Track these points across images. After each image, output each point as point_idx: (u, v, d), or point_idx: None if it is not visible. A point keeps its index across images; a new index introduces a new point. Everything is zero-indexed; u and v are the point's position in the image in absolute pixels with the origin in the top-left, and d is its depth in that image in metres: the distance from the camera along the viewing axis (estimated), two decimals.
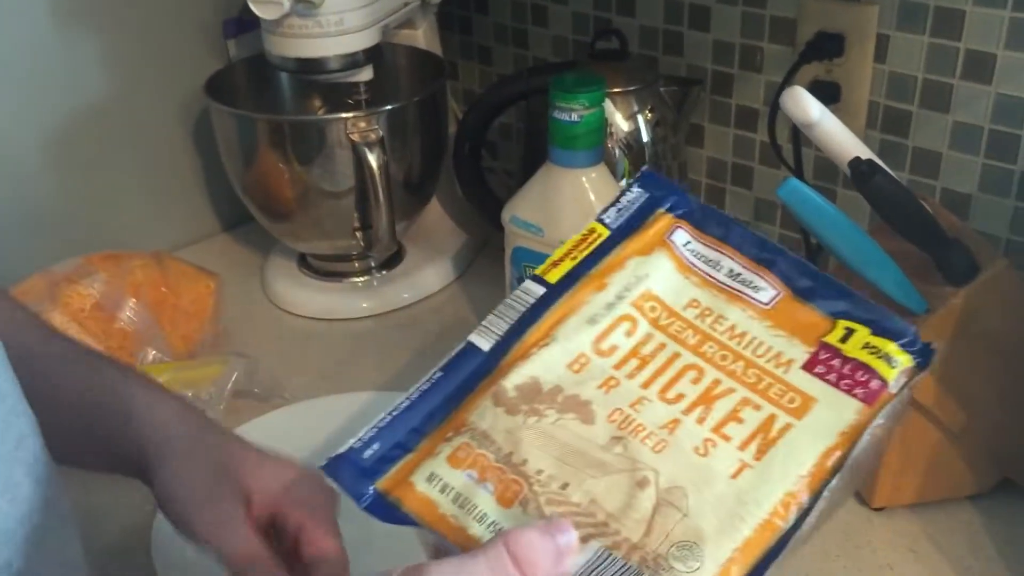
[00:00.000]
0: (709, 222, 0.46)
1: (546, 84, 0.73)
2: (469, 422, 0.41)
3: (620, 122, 0.86)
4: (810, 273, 0.44)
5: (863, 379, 0.41)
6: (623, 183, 0.87)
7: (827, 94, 0.81)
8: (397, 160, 0.89)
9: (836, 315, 0.43)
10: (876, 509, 0.68)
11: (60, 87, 0.92)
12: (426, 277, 0.96)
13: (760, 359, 0.42)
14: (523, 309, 0.44)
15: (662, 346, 0.43)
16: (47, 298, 0.77)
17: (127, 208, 1.00)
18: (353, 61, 0.84)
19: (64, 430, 0.47)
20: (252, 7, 0.79)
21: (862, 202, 0.82)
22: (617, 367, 0.43)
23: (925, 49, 0.77)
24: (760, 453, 0.39)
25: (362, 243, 0.91)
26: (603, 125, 0.74)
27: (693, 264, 0.46)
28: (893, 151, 0.81)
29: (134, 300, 0.78)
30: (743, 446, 0.40)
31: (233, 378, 0.75)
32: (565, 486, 0.38)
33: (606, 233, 0.46)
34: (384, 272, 0.96)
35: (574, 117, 0.72)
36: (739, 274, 0.45)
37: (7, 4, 0.87)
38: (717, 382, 0.42)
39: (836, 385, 0.41)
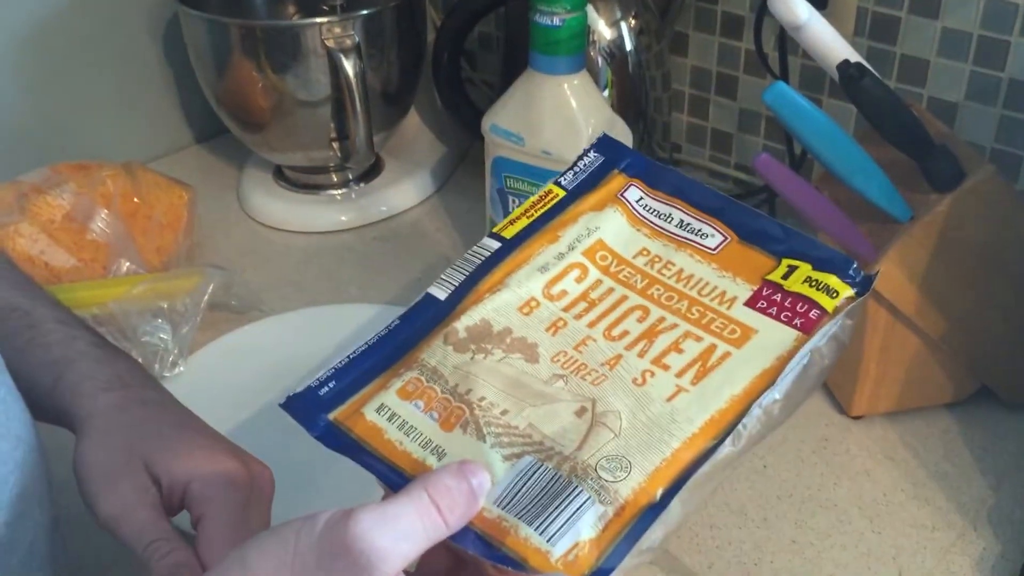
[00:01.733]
0: (662, 179, 0.49)
1: None
2: (420, 359, 0.43)
3: (603, 29, 0.84)
4: (756, 218, 0.47)
5: (803, 310, 0.43)
6: (605, 93, 0.85)
7: None
8: (374, 68, 0.86)
9: (780, 254, 0.45)
10: (854, 418, 0.68)
11: None
12: (405, 189, 0.95)
13: (705, 298, 0.45)
14: (478, 262, 0.46)
15: (610, 290, 0.46)
16: (16, 209, 0.75)
17: (96, 118, 0.98)
18: None
19: None
20: None
21: (847, 112, 0.81)
22: (566, 309, 0.45)
23: None
24: (697, 379, 0.41)
25: (339, 154, 0.90)
26: (585, 30, 0.72)
27: (644, 217, 0.48)
28: (881, 58, 0.80)
29: (105, 211, 0.76)
30: (680, 373, 0.42)
31: (209, 290, 0.74)
32: (505, 412, 0.41)
33: (562, 194, 0.49)
34: (362, 184, 0.95)
35: (556, 21, 0.69)
36: (688, 224, 0.47)
37: None
38: (661, 319, 0.44)
39: (776, 317, 0.43)
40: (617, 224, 0.48)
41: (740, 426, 0.39)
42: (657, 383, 0.42)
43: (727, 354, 0.42)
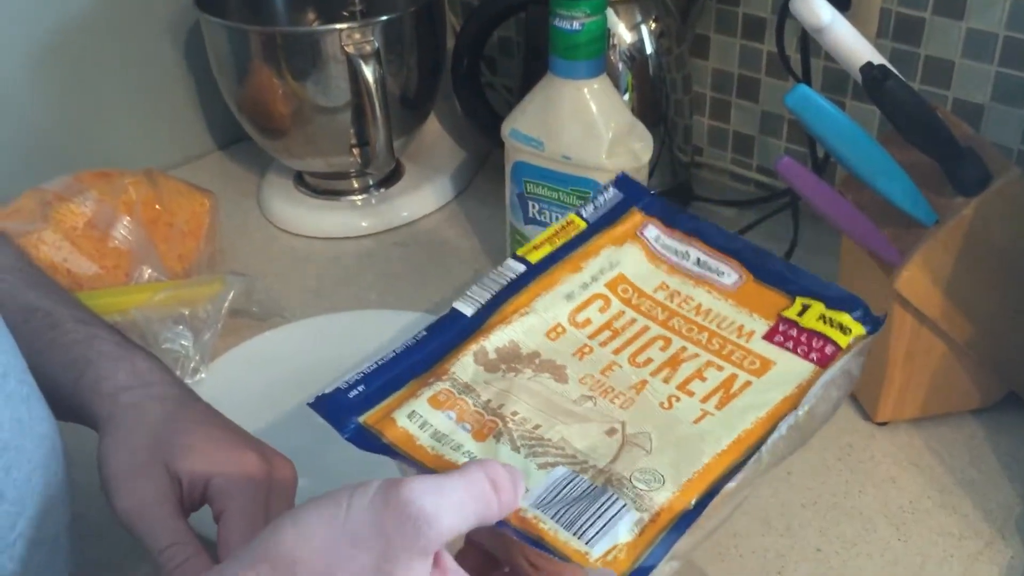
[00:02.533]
0: (678, 220, 0.52)
1: None
2: (450, 372, 0.45)
3: (623, 32, 0.84)
4: (772, 260, 0.50)
5: (819, 346, 0.46)
6: (626, 97, 0.85)
7: (838, 0, 0.78)
8: (394, 74, 0.86)
9: (793, 293, 0.48)
10: (880, 424, 0.67)
11: (40, 2, 0.89)
12: (425, 195, 0.95)
13: (723, 331, 0.47)
14: (505, 283, 0.49)
15: (633, 321, 0.48)
16: (39, 217, 0.75)
17: (118, 126, 0.98)
18: None
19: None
20: None
21: (871, 115, 0.81)
22: (591, 337, 0.48)
23: None
24: (722, 404, 0.44)
25: (359, 160, 0.90)
26: (605, 34, 0.71)
27: (662, 255, 0.51)
28: (905, 60, 0.79)
29: (128, 218, 0.77)
30: (705, 399, 0.44)
31: (230, 296, 0.74)
32: (537, 427, 0.42)
33: (583, 225, 0.52)
34: (382, 190, 0.95)
35: (575, 25, 0.69)
36: (705, 262, 0.51)
37: None
38: (683, 349, 0.47)
39: (794, 351, 0.46)
40: (636, 259, 0.51)
41: (768, 442, 0.41)
42: (683, 407, 0.44)
43: (748, 383, 0.45)
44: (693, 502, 0.39)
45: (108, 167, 0.83)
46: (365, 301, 0.83)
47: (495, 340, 0.46)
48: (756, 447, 0.41)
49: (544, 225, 0.76)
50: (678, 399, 0.44)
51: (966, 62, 0.76)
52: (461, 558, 0.39)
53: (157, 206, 0.79)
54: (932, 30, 0.77)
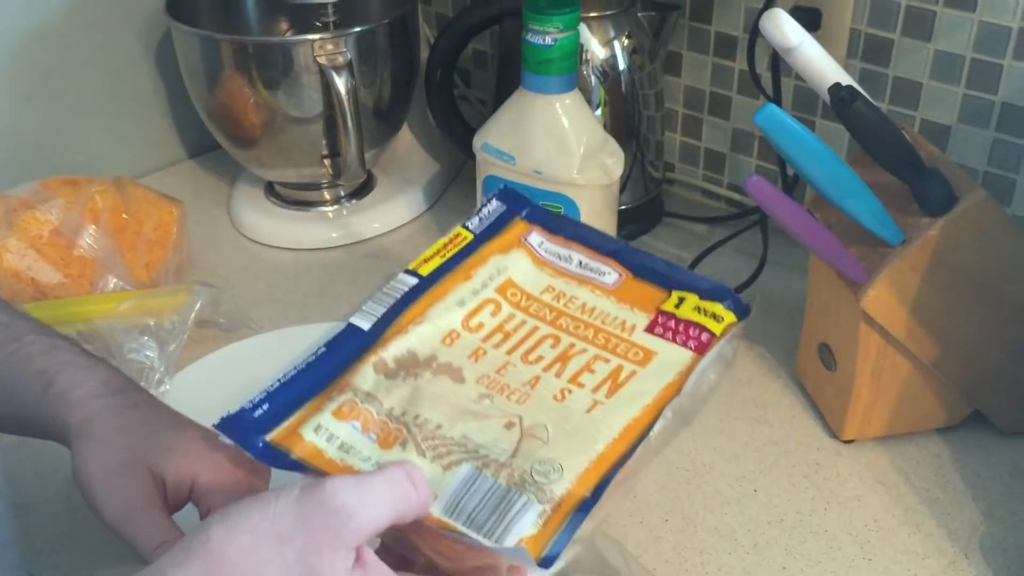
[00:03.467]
0: (560, 226, 0.55)
1: (519, 7, 0.71)
2: (352, 383, 0.46)
3: (596, 48, 0.84)
4: (650, 259, 0.53)
5: (695, 334, 0.49)
6: (598, 112, 0.85)
7: (808, 20, 0.79)
8: (366, 85, 0.86)
9: (670, 287, 0.52)
10: (846, 442, 0.68)
11: (16, 6, 0.88)
12: (397, 207, 0.94)
13: (608, 326, 0.51)
14: (398, 296, 0.51)
15: (523, 323, 0.51)
16: (3, 224, 0.74)
17: (87, 134, 0.97)
18: None
19: None
20: None
21: (840, 134, 0.81)
22: (484, 339, 0.50)
23: None
24: (611, 393, 0.47)
25: (330, 171, 0.89)
26: (578, 49, 0.72)
27: (546, 259, 0.54)
28: (873, 80, 0.80)
29: (94, 227, 0.76)
30: (596, 389, 0.47)
31: (197, 307, 0.74)
32: (439, 426, 0.45)
33: (470, 236, 0.54)
34: (354, 201, 0.94)
35: (548, 40, 0.69)
36: (587, 264, 0.54)
37: None
38: (572, 345, 0.50)
39: (673, 340, 0.49)
40: (523, 265, 0.53)
41: (655, 427, 0.45)
42: (575, 399, 0.47)
43: (634, 372, 0.48)
44: (590, 491, 0.42)
45: (76, 174, 0.82)
46: (335, 313, 0.82)
47: (393, 350, 0.48)
48: (644, 433, 0.45)
49: None
50: (570, 391, 0.47)
51: (934, 83, 0.77)
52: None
53: (124, 215, 0.78)
54: (901, 51, 0.78)
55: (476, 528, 0.40)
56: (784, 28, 0.59)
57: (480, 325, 0.50)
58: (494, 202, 0.57)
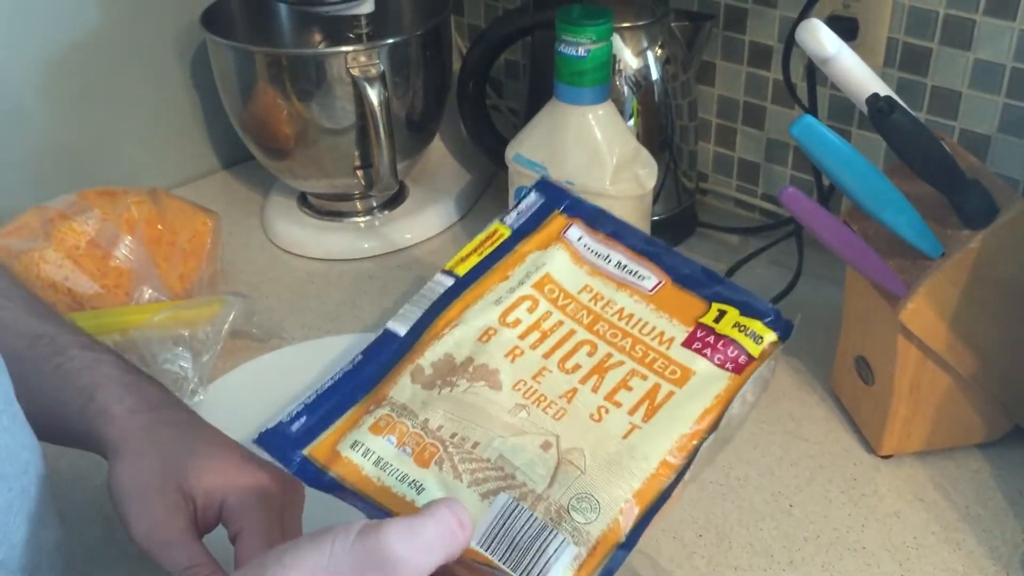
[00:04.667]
0: (600, 221, 0.54)
1: (552, 18, 0.71)
2: (389, 396, 0.46)
3: (629, 58, 0.83)
4: (689, 264, 0.52)
5: (734, 355, 0.48)
6: (631, 123, 0.85)
7: (844, 30, 0.78)
8: (399, 96, 0.86)
9: (709, 298, 0.51)
10: (884, 457, 0.67)
11: (53, 19, 0.90)
12: (429, 217, 0.94)
13: (645, 337, 0.50)
14: (434, 298, 0.51)
15: (560, 323, 0.50)
16: (41, 235, 0.75)
17: (123, 145, 0.98)
18: None
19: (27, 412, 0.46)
20: None
21: (877, 144, 0.80)
22: (522, 337, 0.49)
23: None
24: (647, 416, 0.46)
25: (363, 182, 0.89)
26: (611, 61, 0.71)
27: (585, 257, 0.53)
28: (911, 90, 0.79)
29: (130, 237, 0.77)
30: (632, 411, 0.47)
31: (231, 318, 0.74)
32: (476, 445, 0.44)
33: (508, 232, 0.54)
34: (386, 212, 0.95)
35: (581, 52, 0.69)
36: (626, 265, 0.53)
37: None
38: (609, 355, 0.49)
39: (710, 359, 0.48)
40: (561, 261, 0.53)
41: (693, 464, 0.44)
42: (612, 420, 0.46)
43: (671, 393, 0.47)
44: (625, 535, 0.42)
45: (112, 184, 0.83)
46: (367, 323, 0.83)
47: (430, 356, 0.48)
48: (682, 470, 0.44)
49: None
50: (607, 411, 0.46)
51: (973, 93, 0.76)
52: None
53: (160, 225, 0.79)
54: (939, 60, 0.77)
55: (513, 565, 0.40)
56: (821, 38, 0.58)
57: (517, 321, 0.50)
58: (532, 195, 0.55)
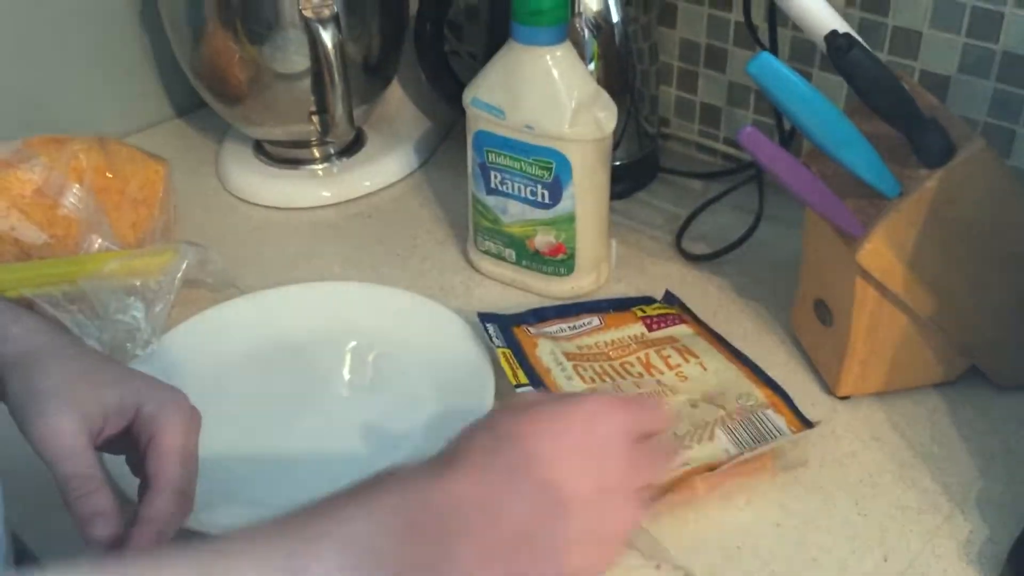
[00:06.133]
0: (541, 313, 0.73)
1: None
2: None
3: (589, 0, 0.82)
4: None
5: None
6: (591, 66, 0.83)
7: None
8: (354, 39, 0.84)
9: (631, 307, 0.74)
10: (842, 398, 0.67)
11: None
12: (387, 164, 0.93)
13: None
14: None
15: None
16: None
17: (71, 93, 0.95)
18: None
19: None
20: None
21: (838, 87, 0.80)
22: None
23: None
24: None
25: (318, 128, 0.88)
26: (569, 0, 0.70)
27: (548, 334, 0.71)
28: (872, 30, 0.78)
29: (77, 186, 0.74)
30: None
31: (183, 267, 0.72)
32: None
33: None
34: (344, 159, 0.93)
35: None
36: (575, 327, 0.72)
37: None
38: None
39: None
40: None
41: None
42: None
43: None
44: None
45: (60, 132, 0.80)
46: (327, 273, 0.81)
47: None
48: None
49: (506, 196, 0.75)
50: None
51: (934, 32, 0.75)
52: None
53: (109, 174, 0.77)
54: (900, 0, 0.76)
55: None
56: None
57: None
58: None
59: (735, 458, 0.58)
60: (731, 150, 0.92)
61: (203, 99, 0.92)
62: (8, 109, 0.91)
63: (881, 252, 0.60)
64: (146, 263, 0.72)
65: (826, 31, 0.58)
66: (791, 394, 0.65)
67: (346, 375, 0.72)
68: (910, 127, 0.59)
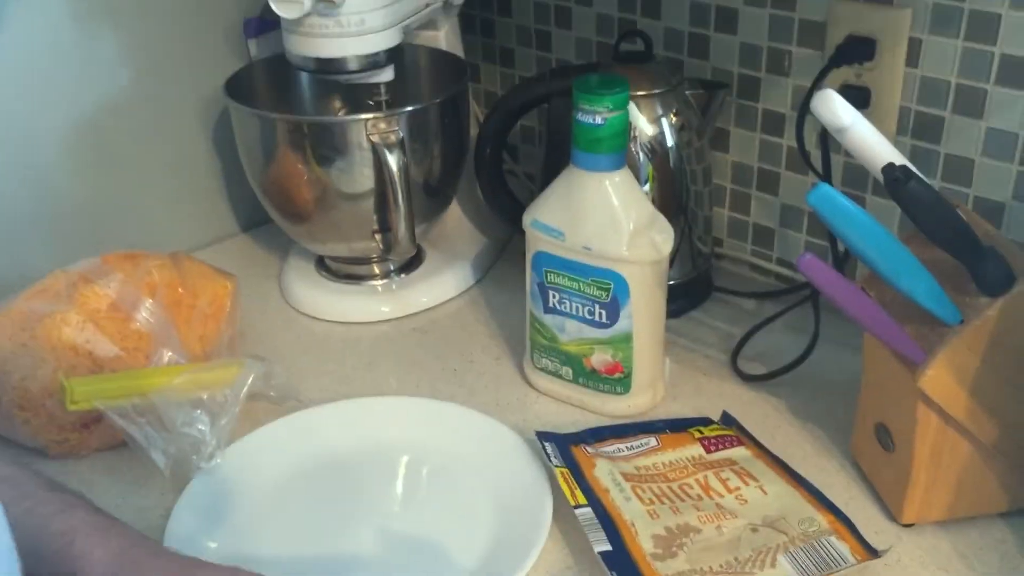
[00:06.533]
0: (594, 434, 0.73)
1: (568, 86, 0.72)
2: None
3: (644, 125, 0.85)
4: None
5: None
6: (646, 187, 0.85)
7: (857, 99, 0.78)
8: (417, 162, 0.87)
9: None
10: (905, 525, 0.66)
11: (81, 85, 0.92)
12: (445, 281, 0.95)
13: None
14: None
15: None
16: (64, 298, 0.76)
17: (146, 208, 1.00)
18: (374, 62, 0.83)
19: None
20: (273, 6, 0.78)
21: (890, 211, 0.81)
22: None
23: (959, 53, 0.75)
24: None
25: (381, 246, 0.90)
26: (627, 128, 0.72)
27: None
28: (924, 158, 0.79)
29: (150, 300, 0.77)
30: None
31: (249, 381, 0.74)
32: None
33: None
34: (403, 275, 0.95)
35: (598, 120, 0.70)
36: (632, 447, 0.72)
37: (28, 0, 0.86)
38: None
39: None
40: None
41: None
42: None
43: None
44: None
45: (134, 247, 0.83)
46: (383, 387, 0.83)
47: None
48: None
49: (564, 315, 0.76)
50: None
51: (986, 160, 0.77)
52: None
53: (180, 289, 0.80)
54: (952, 129, 0.77)
55: None
56: (836, 109, 0.59)
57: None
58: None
59: None
60: (784, 270, 0.93)
61: (268, 216, 0.96)
62: (88, 225, 0.95)
63: (943, 379, 0.60)
64: (213, 376, 0.74)
65: (882, 162, 0.59)
66: (853, 520, 0.64)
67: (399, 489, 0.72)
68: (969, 256, 0.60)
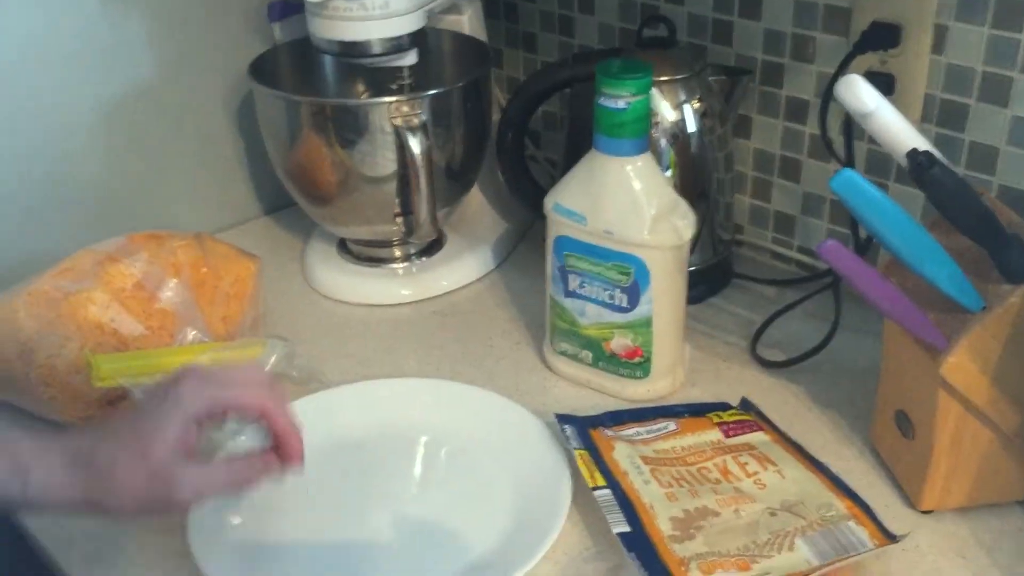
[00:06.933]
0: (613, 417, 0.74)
1: (590, 72, 0.72)
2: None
3: (666, 111, 0.85)
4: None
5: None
6: (668, 173, 0.86)
7: (881, 86, 0.77)
8: (440, 146, 0.88)
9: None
10: (924, 512, 0.66)
11: (106, 68, 0.93)
12: (466, 264, 0.96)
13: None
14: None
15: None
16: (90, 276, 0.77)
17: (171, 189, 1.01)
18: (397, 45, 0.84)
19: None
20: None
21: (914, 198, 0.81)
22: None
23: (985, 40, 0.75)
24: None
25: (403, 229, 0.91)
26: (649, 113, 0.73)
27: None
28: (949, 145, 0.79)
29: (175, 280, 0.78)
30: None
31: (272, 360, 0.75)
32: None
33: None
34: (424, 259, 0.96)
35: (621, 104, 0.70)
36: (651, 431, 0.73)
37: None
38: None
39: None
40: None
41: None
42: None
43: None
44: None
45: (159, 227, 0.84)
46: (404, 369, 0.83)
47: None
48: None
49: (585, 299, 0.76)
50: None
51: (1011, 149, 0.76)
52: None
53: (204, 269, 0.81)
54: (976, 116, 0.77)
55: None
56: (861, 94, 0.59)
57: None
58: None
59: (817, 569, 0.58)
60: (805, 258, 0.93)
61: (291, 199, 0.96)
62: (115, 206, 0.97)
63: (965, 366, 0.60)
64: (236, 356, 0.75)
65: (906, 148, 0.59)
66: (872, 506, 0.64)
67: (418, 470, 0.73)
68: (992, 243, 0.59)
